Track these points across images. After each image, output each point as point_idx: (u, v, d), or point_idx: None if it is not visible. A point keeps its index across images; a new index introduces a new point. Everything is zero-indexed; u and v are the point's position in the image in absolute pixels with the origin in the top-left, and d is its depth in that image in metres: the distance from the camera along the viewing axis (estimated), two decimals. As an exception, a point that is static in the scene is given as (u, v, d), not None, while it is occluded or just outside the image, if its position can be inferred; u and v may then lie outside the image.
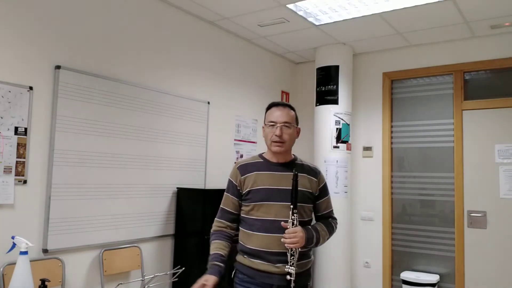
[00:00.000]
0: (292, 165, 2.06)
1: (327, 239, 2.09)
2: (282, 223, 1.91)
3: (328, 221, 2.14)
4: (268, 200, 1.97)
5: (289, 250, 1.90)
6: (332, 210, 2.19)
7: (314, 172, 2.10)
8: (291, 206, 1.91)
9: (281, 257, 1.94)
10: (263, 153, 2.13)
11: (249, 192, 2.01)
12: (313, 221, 2.16)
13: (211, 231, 2.09)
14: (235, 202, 2.05)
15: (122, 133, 3.17)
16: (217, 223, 2.09)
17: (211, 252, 2.00)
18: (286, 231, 1.89)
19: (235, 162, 2.17)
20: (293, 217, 1.90)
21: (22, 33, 2.61)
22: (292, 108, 2.08)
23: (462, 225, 4.14)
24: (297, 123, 2.09)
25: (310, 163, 2.15)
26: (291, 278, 1.88)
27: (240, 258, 2.06)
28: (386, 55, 4.70)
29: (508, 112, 4.02)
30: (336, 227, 2.17)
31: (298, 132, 2.09)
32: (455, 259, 4.16)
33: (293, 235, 1.88)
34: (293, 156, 2.12)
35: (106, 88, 3.07)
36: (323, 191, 2.13)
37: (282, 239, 1.89)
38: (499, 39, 4.09)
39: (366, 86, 4.81)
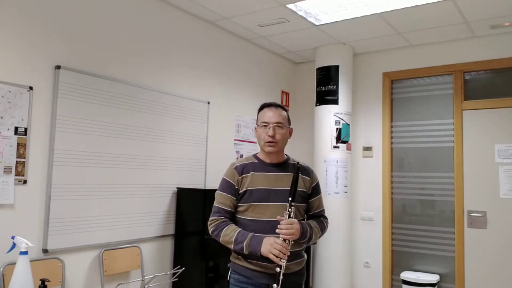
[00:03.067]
0: (285, 165, 2.09)
1: (319, 237, 2.10)
2: (278, 216, 1.91)
3: (320, 220, 2.15)
4: (263, 201, 1.97)
5: (283, 241, 1.86)
6: (323, 210, 2.21)
7: (307, 172, 2.12)
8: (289, 198, 1.92)
9: None
10: (257, 153, 2.14)
11: (245, 192, 2.01)
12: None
13: (214, 225, 1.99)
14: (233, 201, 2.03)
15: (122, 133, 3.17)
16: (217, 219, 2.00)
17: (234, 233, 1.92)
18: (282, 222, 1.88)
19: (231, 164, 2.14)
20: (290, 209, 1.91)
21: (22, 33, 2.61)
22: (284, 109, 2.10)
23: (462, 225, 4.14)
24: (289, 123, 2.11)
25: (302, 163, 2.16)
26: (281, 270, 1.84)
27: (235, 259, 2.05)
28: (386, 55, 4.70)
29: (508, 112, 4.02)
30: (327, 226, 2.18)
31: (290, 133, 2.12)
32: (455, 259, 4.16)
33: (290, 226, 1.87)
34: (285, 156, 2.14)
35: (106, 88, 3.07)
36: (316, 189, 2.16)
37: (277, 230, 1.87)
38: (499, 39, 4.09)
39: (366, 86, 4.81)
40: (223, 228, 1.97)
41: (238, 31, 4.24)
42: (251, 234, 1.91)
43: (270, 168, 2.06)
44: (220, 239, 1.97)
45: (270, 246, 1.83)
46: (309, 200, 2.12)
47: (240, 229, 1.95)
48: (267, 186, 2.01)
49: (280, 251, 1.81)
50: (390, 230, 4.54)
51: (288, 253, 1.83)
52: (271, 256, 1.81)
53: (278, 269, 1.85)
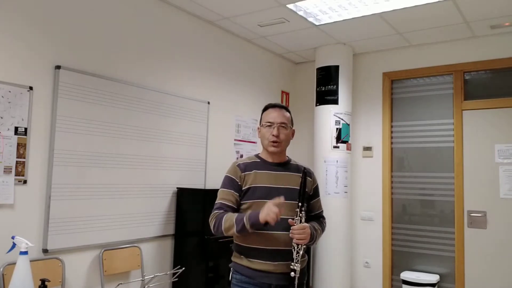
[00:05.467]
0: (288, 165, 2.12)
1: (319, 237, 2.14)
2: (290, 220, 1.93)
3: (320, 221, 2.18)
4: (266, 198, 1.98)
5: (295, 246, 1.90)
6: (322, 210, 2.24)
7: (309, 173, 2.15)
8: (299, 204, 1.94)
9: (280, 254, 1.95)
10: (258, 153, 2.16)
11: (248, 189, 2.02)
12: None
13: (214, 219, 1.97)
14: (236, 196, 2.02)
15: (122, 133, 3.17)
16: (217, 212, 1.99)
17: (234, 216, 1.91)
18: (295, 227, 1.90)
19: (233, 162, 2.15)
20: (300, 214, 1.93)
21: (22, 33, 2.61)
22: (287, 110, 2.14)
23: (462, 225, 4.14)
24: (292, 124, 2.14)
25: (303, 164, 2.19)
26: (296, 275, 1.88)
27: (236, 258, 2.05)
28: (386, 55, 4.70)
29: (508, 112, 4.02)
30: (325, 226, 2.22)
31: (292, 134, 2.15)
32: (455, 259, 4.16)
33: (302, 231, 1.90)
34: (287, 157, 2.17)
35: (106, 88, 3.07)
36: (316, 191, 2.19)
37: (290, 235, 1.90)
38: (499, 39, 4.09)
39: (366, 86, 4.81)
40: (222, 217, 1.94)
41: (238, 31, 4.24)
42: (247, 214, 1.90)
43: (273, 167, 2.08)
44: (222, 228, 1.93)
45: (267, 209, 1.81)
46: (310, 201, 2.14)
47: (236, 214, 1.93)
48: (270, 184, 2.02)
49: (275, 214, 1.79)
50: (390, 230, 4.54)
51: (279, 219, 1.82)
52: (268, 219, 1.80)
53: (293, 274, 1.88)
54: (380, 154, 4.65)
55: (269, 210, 1.80)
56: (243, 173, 2.04)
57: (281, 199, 1.84)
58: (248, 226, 1.87)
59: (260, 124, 2.13)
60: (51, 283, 2.52)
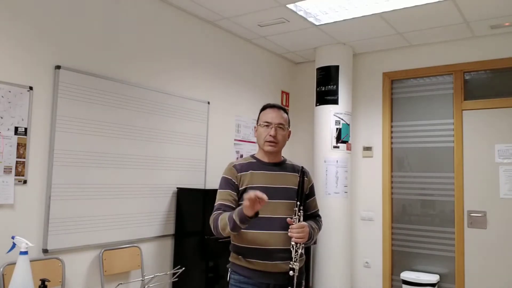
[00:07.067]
0: (283, 165, 2.13)
1: (316, 236, 2.15)
2: (288, 219, 1.94)
3: (316, 219, 2.19)
4: None
5: (294, 245, 1.91)
6: (318, 209, 2.25)
7: (305, 172, 2.15)
8: (298, 203, 1.95)
9: (278, 254, 1.95)
10: (254, 154, 2.17)
11: (245, 190, 2.02)
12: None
13: (212, 220, 1.96)
14: (234, 196, 2.02)
15: (122, 133, 3.17)
16: (214, 213, 1.99)
17: (226, 214, 1.88)
18: (294, 226, 1.91)
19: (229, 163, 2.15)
20: (299, 213, 1.94)
21: (22, 33, 2.61)
22: (285, 111, 2.15)
23: (462, 225, 4.14)
24: (289, 125, 2.16)
25: (298, 164, 2.21)
26: (295, 274, 1.89)
27: (234, 259, 2.06)
28: (386, 55, 4.70)
29: (508, 112, 4.02)
30: (322, 225, 2.23)
31: (289, 135, 2.16)
32: (455, 259, 4.16)
33: (301, 230, 1.91)
34: (282, 157, 2.18)
35: (106, 88, 3.07)
36: (312, 190, 2.20)
37: (289, 233, 1.91)
38: (499, 39, 4.09)
39: (366, 86, 4.81)
40: (218, 218, 1.93)
41: (238, 31, 4.24)
42: (238, 209, 1.85)
43: (268, 167, 2.09)
44: (219, 228, 1.91)
45: (247, 201, 1.74)
46: (306, 200, 2.14)
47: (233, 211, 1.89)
48: (266, 184, 2.03)
49: (256, 198, 1.73)
50: (390, 230, 4.54)
51: (265, 202, 1.76)
52: (252, 208, 1.74)
53: (291, 273, 1.89)
54: (380, 154, 4.65)
55: (250, 200, 1.72)
56: (239, 174, 2.05)
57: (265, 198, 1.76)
58: (238, 223, 1.82)
59: (257, 124, 2.15)
60: (51, 283, 2.52)
